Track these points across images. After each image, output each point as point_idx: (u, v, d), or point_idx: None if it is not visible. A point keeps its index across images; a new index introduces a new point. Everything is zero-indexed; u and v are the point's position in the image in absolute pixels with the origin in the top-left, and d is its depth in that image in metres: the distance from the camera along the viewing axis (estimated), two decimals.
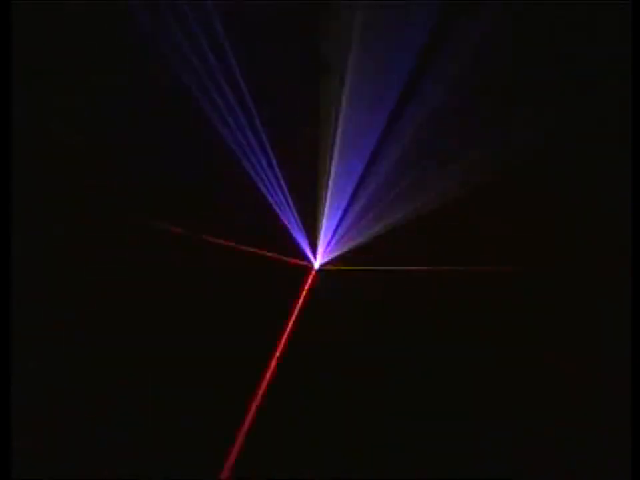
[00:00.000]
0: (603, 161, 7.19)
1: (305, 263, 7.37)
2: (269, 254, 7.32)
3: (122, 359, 7.01)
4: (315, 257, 7.36)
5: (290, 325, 7.17)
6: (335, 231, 7.36)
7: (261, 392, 7.02)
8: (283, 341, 7.16)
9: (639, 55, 6.77)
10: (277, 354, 7.12)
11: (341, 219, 7.33)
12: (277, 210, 7.32)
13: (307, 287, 7.27)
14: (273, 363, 7.10)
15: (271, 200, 7.31)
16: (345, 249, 7.38)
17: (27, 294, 6.95)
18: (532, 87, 7.25)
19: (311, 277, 7.35)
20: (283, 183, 7.32)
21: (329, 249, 7.38)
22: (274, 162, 7.33)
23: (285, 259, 7.35)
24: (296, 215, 7.33)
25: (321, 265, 7.37)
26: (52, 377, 6.95)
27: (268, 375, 7.06)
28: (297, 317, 7.20)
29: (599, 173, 7.20)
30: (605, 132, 7.20)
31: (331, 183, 7.33)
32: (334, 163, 7.32)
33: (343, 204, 7.31)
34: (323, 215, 7.33)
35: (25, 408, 6.70)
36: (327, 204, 7.33)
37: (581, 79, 7.22)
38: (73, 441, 6.81)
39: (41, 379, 6.92)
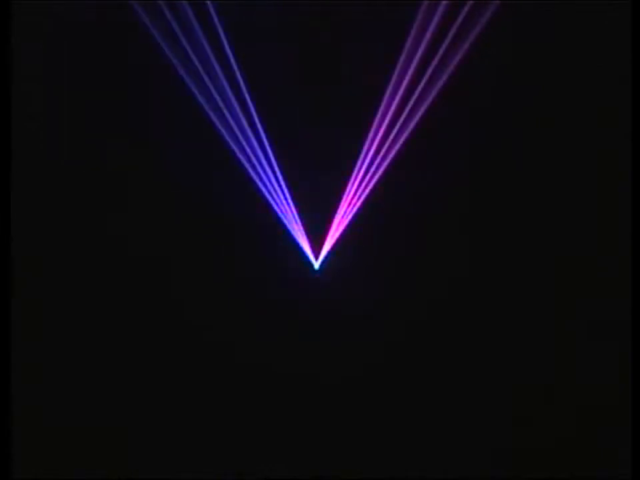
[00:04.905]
0: (603, 160, 7.18)
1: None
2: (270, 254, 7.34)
3: (123, 362, 7.05)
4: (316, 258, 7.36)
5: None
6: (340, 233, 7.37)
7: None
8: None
9: (639, 55, 6.76)
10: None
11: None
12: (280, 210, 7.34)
13: None
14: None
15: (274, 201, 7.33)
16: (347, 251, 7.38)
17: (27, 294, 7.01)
18: (532, 86, 7.23)
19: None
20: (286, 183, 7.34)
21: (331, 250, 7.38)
22: (276, 161, 7.34)
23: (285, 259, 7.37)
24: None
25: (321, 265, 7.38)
26: (51, 377, 7.01)
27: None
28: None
29: (599, 172, 7.19)
30: (605, 131, 7.18)
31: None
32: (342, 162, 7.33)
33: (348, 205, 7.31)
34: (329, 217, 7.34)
35: (25, 408, 6.75)
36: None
37: (581, 79, 7.21)
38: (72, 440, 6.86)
39: (40, 378, 6.98)
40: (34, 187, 7.12)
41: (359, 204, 7.29)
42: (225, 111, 7.25)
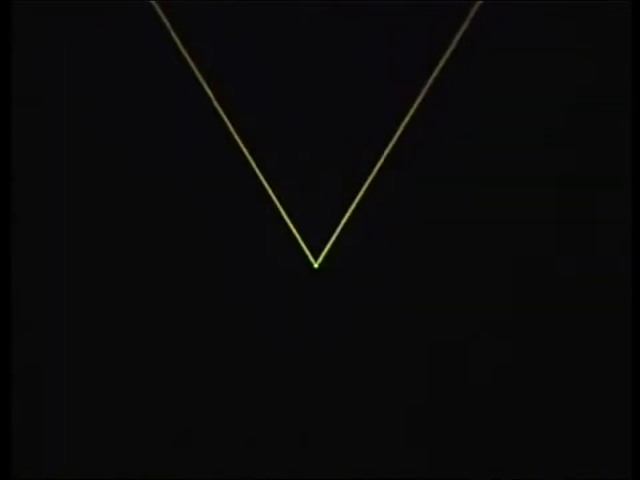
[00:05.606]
0: (604, 160, 7.18)
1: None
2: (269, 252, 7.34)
3: (122, 362, 7.06)
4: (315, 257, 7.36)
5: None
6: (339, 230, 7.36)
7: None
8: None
9: (639, 55, 6.78)
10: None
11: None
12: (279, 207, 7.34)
13: None
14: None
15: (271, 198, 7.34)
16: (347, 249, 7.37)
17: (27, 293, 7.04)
18: (532, 86, 7.24)
19: None
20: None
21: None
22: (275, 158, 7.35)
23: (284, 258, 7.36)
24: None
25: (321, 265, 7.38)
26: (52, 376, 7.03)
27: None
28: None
29: (599, 173, 7.19)
30: (605, 131, 7.18)
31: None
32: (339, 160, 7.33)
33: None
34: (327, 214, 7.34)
35: (25, 408, 6.77)
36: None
37: (581, 79, 7.21)
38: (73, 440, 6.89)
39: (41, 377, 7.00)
40: (34, 187, 7.14)
41: (359, 204, 7.30)
42: (226, 111, 7.26)
